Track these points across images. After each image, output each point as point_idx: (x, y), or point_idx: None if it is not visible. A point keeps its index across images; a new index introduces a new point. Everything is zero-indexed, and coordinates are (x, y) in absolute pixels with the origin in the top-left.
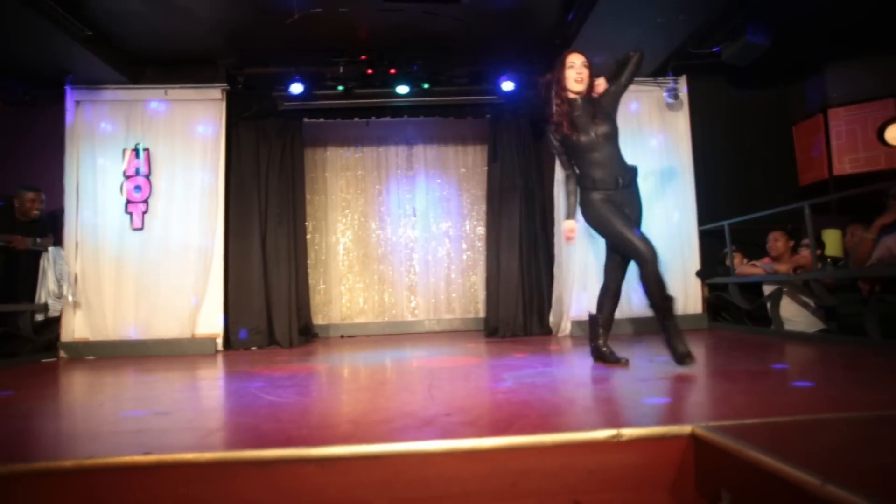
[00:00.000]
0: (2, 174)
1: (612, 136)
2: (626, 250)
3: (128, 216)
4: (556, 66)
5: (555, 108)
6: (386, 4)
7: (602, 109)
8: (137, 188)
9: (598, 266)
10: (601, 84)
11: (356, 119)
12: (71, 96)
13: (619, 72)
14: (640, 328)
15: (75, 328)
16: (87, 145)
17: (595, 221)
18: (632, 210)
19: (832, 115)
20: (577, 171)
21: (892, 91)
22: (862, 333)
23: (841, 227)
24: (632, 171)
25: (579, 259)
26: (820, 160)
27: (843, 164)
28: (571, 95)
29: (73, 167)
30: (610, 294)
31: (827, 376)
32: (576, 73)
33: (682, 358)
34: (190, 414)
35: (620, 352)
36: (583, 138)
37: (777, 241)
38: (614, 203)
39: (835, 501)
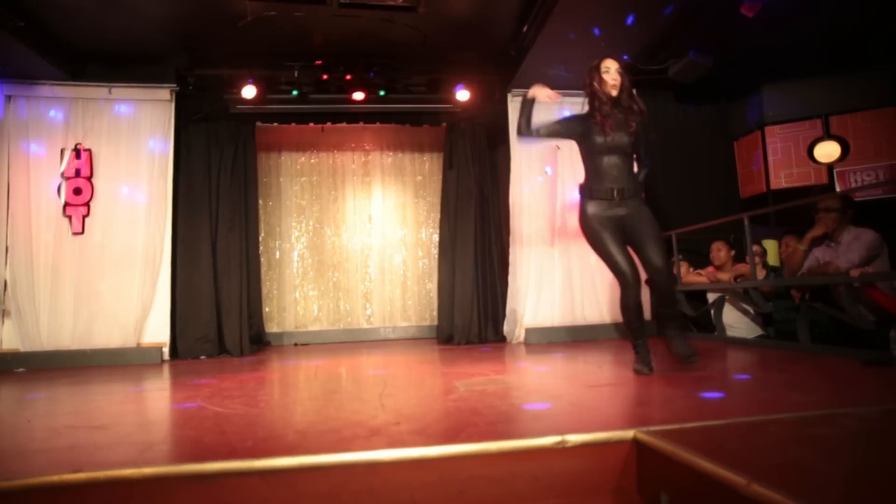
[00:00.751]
0: None
1: (630, 150)
2: (612, 270)
3: (66, 220)
4: (590, 72)
5: (593, 105)
6: (342, 10)
7: (630, 120)
8: (77, 190)
9: (552, 274)
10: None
11: (311, 124)
12: (1, 90)
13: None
14: (593, 335)
15: (3, 338)
16: (19, 143)
17: (588, 235)
18: (640, 222)
19: (769, 132)
20: (583, 178)
21: (819, 112)
22: (795, 338)
23: (778, 237)
24: (638, 186)
25: (533, 267)
26: (759, 174)
27: (780, 179)
28: (606, 99)
29: (4, 166)
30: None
31: (761, 380)
32: (612, 78)
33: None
34: (129, 427)
35: (575, 358)
36: (599, 139)
37: (719, 252)
38: (612, 218)
39: (759, 499)
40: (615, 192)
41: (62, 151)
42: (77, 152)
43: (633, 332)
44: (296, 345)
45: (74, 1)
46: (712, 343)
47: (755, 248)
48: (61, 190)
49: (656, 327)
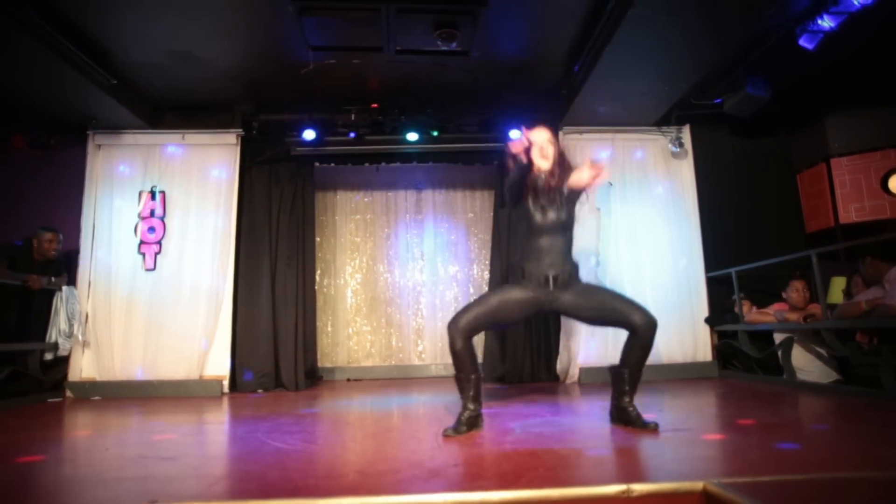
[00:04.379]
0: (24, 215)
1: (568, 226)
2: (473, 314)
3: (140, 257)
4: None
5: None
6: (397, 56)
7: (563, 194)
8: (151, 229)
9: None
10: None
11: (366, 164)
12: (92, 140)
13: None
14: (649, 376)
15: (83, 367)
16: (105, 187)
17: (497, 294)
18: (578, 292)
19: (835, 164)
20: (514, 258)
21: (892, 142)
22: (877, 385)
23: (849, 275)
24: (572, 269)
25: None
26: (825, 208)
27: (849, 213)
28: (537, 173)
29: (91, 208)
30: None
31: (844, 431)
32: (539, 149)
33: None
34: (196, 460)
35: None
36: (537, 217)
37: (798, 292)
38: (535, 303)
39: None
40: (550, 280)
41: (140, 193)
42: (153, 194)
43: (467, 387)
44: (348, 380)
45: (158, 58)
46: (781, 387)
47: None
48: (137, 229)
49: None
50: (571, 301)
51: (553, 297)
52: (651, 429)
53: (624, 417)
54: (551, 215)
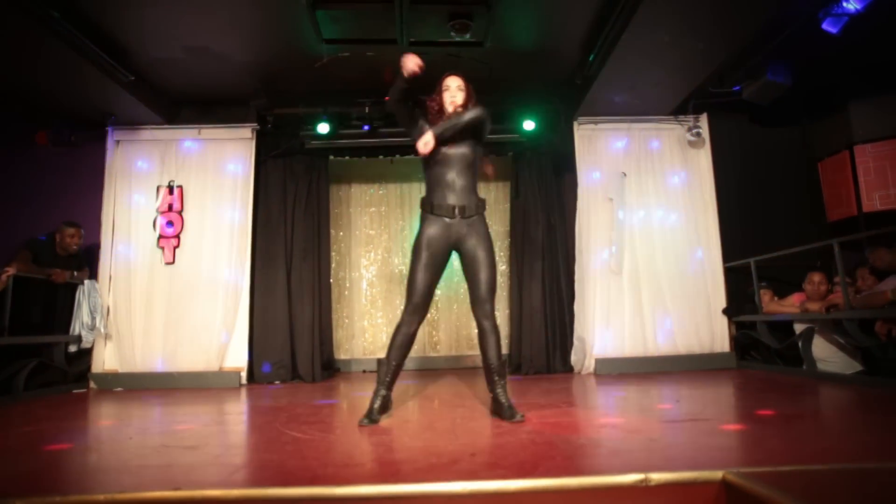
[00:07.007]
0: (48, 210)
1: (471, 161)
2: (406, 294)
3: (160, 251)
4: (436, 88)
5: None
6: (411, 48)
7: (469, 134)
8: (170, 223)
9: (621, 303)
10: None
11: (381, 157)
12: (112, 136)
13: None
14: (666, 366)
15: (105, 359)
16: (124, 182)
17: (413, 251)
18: (477, 241)
19: (858, 151)
20: (424, 192)
21: None
22: None
23: (855, 266)
24: (479, 204)
25: (601, 296)
26: (848, 196)
27: (873, 201)
28: (445, 116)
29: (111, 203)
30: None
31: (867, 422)
32: (450, 95)
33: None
34: (216, 449)
35: (649, 390)
36: (442, 149)
37: (821, 286)
38: (446, 237)
39: None
40: (456, 210)
41: (158, 188)
42: (170, 189)
43: (387, 372)
44: (364, 371)
45: (174, 54)
46: (802, 378)
47: (836, 277)
48: (156, 224)
49: (486, 383)
50: (470, 250)
51: (461, 232)
52: (518, 421)
53: (496, 409)
54: (458, 149)
